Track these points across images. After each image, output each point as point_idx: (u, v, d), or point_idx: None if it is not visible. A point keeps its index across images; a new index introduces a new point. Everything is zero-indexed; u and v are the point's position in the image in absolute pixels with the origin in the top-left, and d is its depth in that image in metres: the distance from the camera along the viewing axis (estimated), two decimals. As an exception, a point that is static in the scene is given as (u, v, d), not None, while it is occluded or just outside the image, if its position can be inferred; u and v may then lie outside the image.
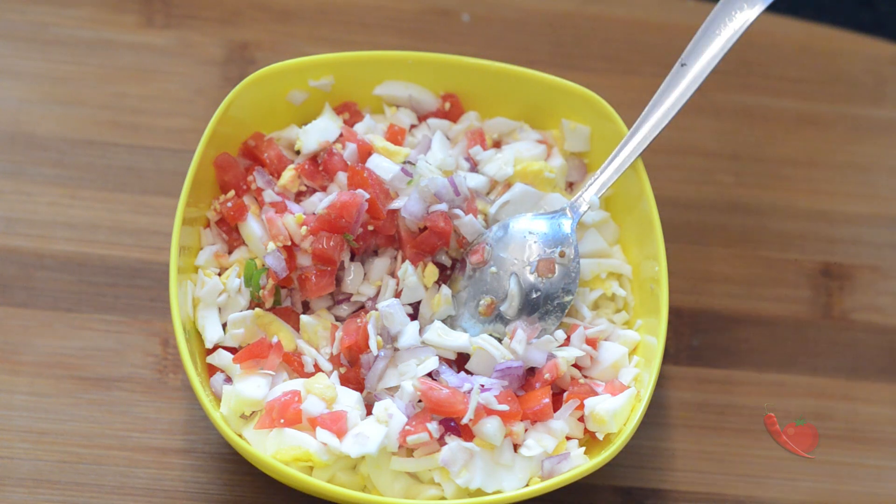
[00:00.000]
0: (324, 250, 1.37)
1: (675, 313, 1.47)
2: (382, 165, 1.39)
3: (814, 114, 1.60)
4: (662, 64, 1.46)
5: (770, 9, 1.42)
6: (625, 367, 1.38)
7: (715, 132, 1.58)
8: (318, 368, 1.36)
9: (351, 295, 1.39)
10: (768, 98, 1.60)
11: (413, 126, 1.46)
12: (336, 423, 1.31)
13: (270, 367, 1.34)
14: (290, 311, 1.39)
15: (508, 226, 1.39)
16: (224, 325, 1.38)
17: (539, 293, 1.37)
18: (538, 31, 1.61)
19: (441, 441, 1.32)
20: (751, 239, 1.54)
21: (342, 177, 1.40)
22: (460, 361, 1.37)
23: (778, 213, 1.55)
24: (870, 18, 1.73)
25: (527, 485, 1.32)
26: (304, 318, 1.38)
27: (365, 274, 1.39)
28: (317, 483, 1.29)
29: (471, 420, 1.31)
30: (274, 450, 1.31)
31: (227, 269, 1.40)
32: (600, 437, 1.34)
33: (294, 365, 1.36)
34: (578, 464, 1.32)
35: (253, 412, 1.34)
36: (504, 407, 1.32)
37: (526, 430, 1.34)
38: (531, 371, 1.36)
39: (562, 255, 1.38)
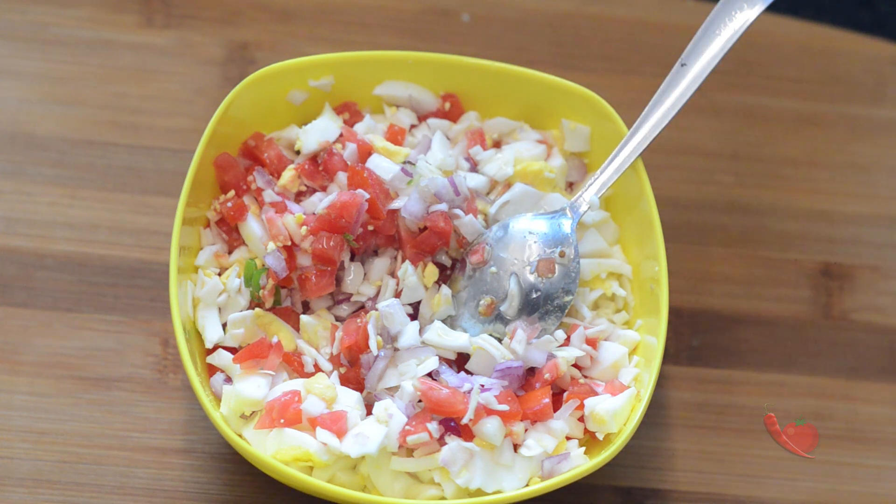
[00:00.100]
0: (324, 250, 1.36)
1: (675, 313, 1.47)
2: (382, 165, 1.39)
3: (814, 114, 1.60)
4: (662, 64, 1.46)
5: (770, 9, 1.42)
6: (625, 367, 1.38)
7: (715, 132, 1.58)
8: (318, 368, 1.36)
9: (351, 295, 1.39)
10: (768, 98, 1.60)
11: (413, 126, 1.46)
12: (336, 423, 1.31)
13: (270, 367, 1.34)
14: (290, 311, 1.39)
15: (508, 226, 1.39)
16: (224, 325, 1.38)
17: (539, 293, 1.37)
18: (538, 31, 1.61)
19: (441, 441, 1.32)
20: (751, 239, 1.54)
21: (342, 177, 1.40)
22: (460, 361, 1.37)
23: (778, 213, 1.55)
24: (870, 18, 1.73)
25: (527, 485, 1.32)
26: (304, 318, 1.38)
27: (365, 274, 1.39)
28: (317, 483, 1.29)
29: (471, 420, 1.31)
30: (274, 450, 1.31)
31: (227, 269, 1.40)
32: (600, 437, 1.34)
33: (294, 365, 1.36)
34: (578, 464, 1.32)
35: (253, 412, 1.34)
36: (504, 407, 1.32)
37: (526, 430, 1.34)
38: (531, 371, 1.36)
39: (562, 255, 1.38)
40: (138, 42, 1.57)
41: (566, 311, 1.38)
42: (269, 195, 1.40)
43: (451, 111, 1.46)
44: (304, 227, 1.37)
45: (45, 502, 1.37)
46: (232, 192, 1.41)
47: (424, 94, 1.46)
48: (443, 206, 1.38)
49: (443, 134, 1.44)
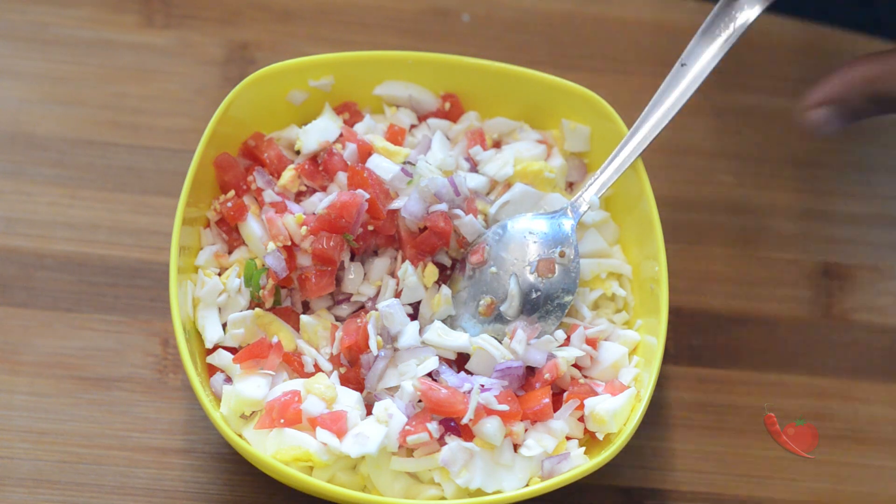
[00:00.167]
0: (324, 250, 1.36)
1: (675, 313, 1.47)
2: (382, 165, 1.39)
3: (814, 114, 1.60)
4: (662, 64, 1.46)
5: (770, 9, 1.42)
6: (625, 367, 1.38)
7: (715, 132, 1.58)
8: (318, 368, 1.36)
9: (351, 295, 1.39)
10: (768, 98, 1.60)
11: (413, 126, 1.46)
12: (336, 423, 1.31)
13: (270, 367, 1.34)
14: (290, 311, 1.39)
15: (508, 226, 1.39)
16: (224, 325, 1.38)
17: (539, 293, 1.37)
18: (538, 31, 1.61)
19: (441, 441, 1.32)
20: (751, 239, 1.54)
21: (342, 177, 1.40)
22: (460, 361, 1.37)
23: (778, 213, 1.55)
24: (870, 18, 1.73)
25: (527, 485, 1.32)
26: (304, 318, 1.38)
27: (365, 274, 1.39)
28: (317, 483, 1.29)
29: (471, 420, 1.31)
30: (274, 450, 1.31)
31: (227, 269, 1.40)
32: (600, 437, 1.34)
33: (294, 365, 1.36)
34: (578, 464, 1.32)
35: (253, 412, 1.34)
36: (504, 407, 1.32)
37: (526, 430, 1.34)
38: (531, 371, 1.36)
39: (562, 255, 1.38)
40: (138, 42, 1.57)
41: (566, 311, 1.38)
42: (269, 195, 1.40)
43: (451, 111, 1.46)
44: (304, 227, 1.37)
45: (45, 502, 1.37)
46: (232, 192, 1.41)
47: (424, 94, 1.46)
48: (443, 206, 1.38)
49: (443, 134, 1.44)
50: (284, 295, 1.39)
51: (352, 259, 1.39)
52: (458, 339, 1.36)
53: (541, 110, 1.46)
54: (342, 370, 1.36)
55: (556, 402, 1.36)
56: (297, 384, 1.34)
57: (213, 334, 1.36)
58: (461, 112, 1.47)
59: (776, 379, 1.48)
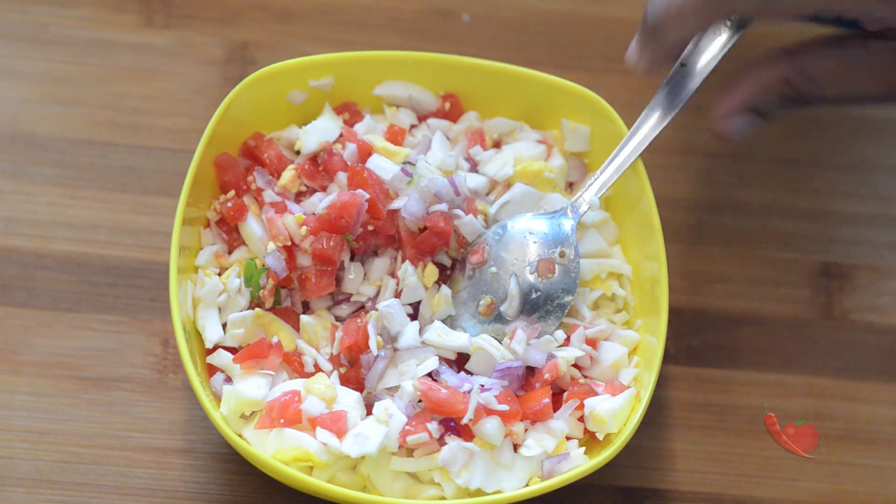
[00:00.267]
0: (324, 250, 1.36)
1: (675, 313, 1.47)
2: (382, 165, 1.39)
3: (814, 114, 1.60)
4: (662, 64, 1.46)
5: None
6: (625, 367, 1.38)
7: (715, 132, 1.58)
8: (318, 368, 1.36)
9: (351, 295, 1.39)
10: (768, 98, 1.60)
11: (413, 126, 1.46)
12: (336, 423, 1.31)
13: (270, 367, 1.34)
14: (290, 311, 1.39)
15: (508, 226, 1.39)
16: (224, 325, 1.38)
17: (539, 293, 1.37)
18: (538, 31, 1.61)
19: (441, 441, 1.32)
20: (751, 239, 1.54)
21: (342, 177, 1.40)
22: (460, 361, 1.37)
23: (778, 213, 1.55)
24: (870, 18, 1.73)
25: (527, 485, 1.32)
26: (304, 318, 1.38)
27: (365, 274, 1.39)
28: (317, 483, 1.29)
29: (471, 420, 1.31)
30: (274, 450, 1.31)
31: (227, 269, 1.40)
32: (600, 437, 1.34)
33: (294, 365, 1.36)
34: (578, 464, 1.32)
35: (253, 412, 1.34)
36: (504, 407, 1.32)
37: (526, 430, 1.34)
38: (531, 371, 1.36)
39: (562, 255, 1.38)
40: (138, 42, 1.57)
41: (566, 310, 1.38)
42: (269, 195, 1.40)
43: (451, 111, 1.46)
44: (304, 227, 1.37)
45: (45, 502, 1.37)
46: (232, 192, 1.41)
47: (424, 94, 1.46)
48: (443, 207, 1.38)
49: (443, 134, 1.44)
50: (284, 295, 1.39)
51: (352, 259, 1.39)
52: (457, 339, 1.36)
53: (541, 110, 1.46)
54: (342, 370, 1.36)
55: (556, 402, 1.36)
56: (297, 384, 1.34)
57: (213, 334, 1.36)
58: (461, 112, 1.47)
59: (776, 379, 1.48)
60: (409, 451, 1.32)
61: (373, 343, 1.34)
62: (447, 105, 1.46)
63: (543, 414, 1.34)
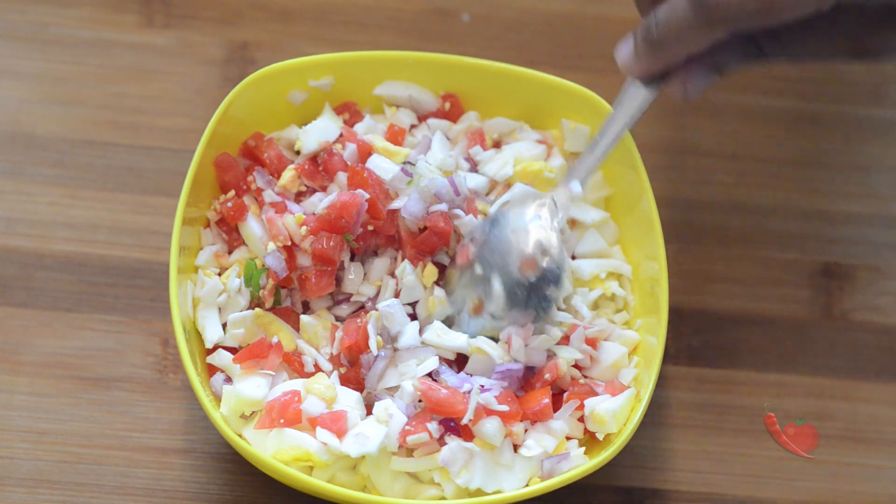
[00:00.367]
0: (324, 250, 1.36)
1: (675, 313, 1.47)
2: (382, 165, 1.39)
3: (814, 114, 1.60)
4: (662, 64, 1.45)
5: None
6: (625, 367, 1.38)
7: (715, 132, 1.58)
8: (318, 368, 1.36)
9: (351, 295, 1.39)
10: (768, 98, 1.60)
11: (413, 126, 1.46)
12: (336, 423, 1.31)
13: (270, 367, 1.34)
14: (290, 311, 1.39)
15: (491, 224, 1.38)
16: (224, 325, 1.38)
17: (524, 289, 1.36)
18: (538, 31, 1.61)
19: (441, 441, 1.32)
20: (751, 239, 1.54)
21: (342, 177, 1.40)
22: (460, 361, 1.37)
23: (778, 213, 1.55)
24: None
25: (527, 485, 1.32)
26: (304, 318, 1.38)
27: (365, 274, 1.39)
28: (317, 483, 1.29)
29: (471, 420, 1.31)
30: (274, 450, 1.31)
31: (227, 269, 1.40)
32: (600, 437, 1.34)
33: (294, 365, 1.36)
34: (578, 464, 1.32)
35: (253, 412, 1.34)
36: (504, 407, 1.32)
37: (526, 431, 1.34)
38: (531, 371, 1.36)
39: (543, 252, 1.36)
40: (138, 42, 1.57)
41: (555, 302, 1.37)
42: (269, 195, 1.40)
43: (451, 111, 1.46)
44: (304, 227, 1.37)
45: (45, 502, 1.37)
46: (232, 192, 1.41)
47: (424, 94, 1.46)
48: (442, 207, 1.38)
49: (443, 134, 1.44)
50: (284, 295, 1.39)
51: (352, 259, 1.39)
52: (456, 340, 1.36)
53: (541, 110, 1.46)
54: (342, 370, 1.36)
55: (556, 402, 1.36)
56: (297, 384, 1.34)
57: (213, 334, 1.36)
58: (461, 112, 1.47)
59: (776, 379, 1.48)
60: (409, 451, 1.32)
61: (373, 343, 1.34)
62: (447, 105, 1.46)
63: (543, 414, 1.34)
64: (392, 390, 1.35)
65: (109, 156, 1.52)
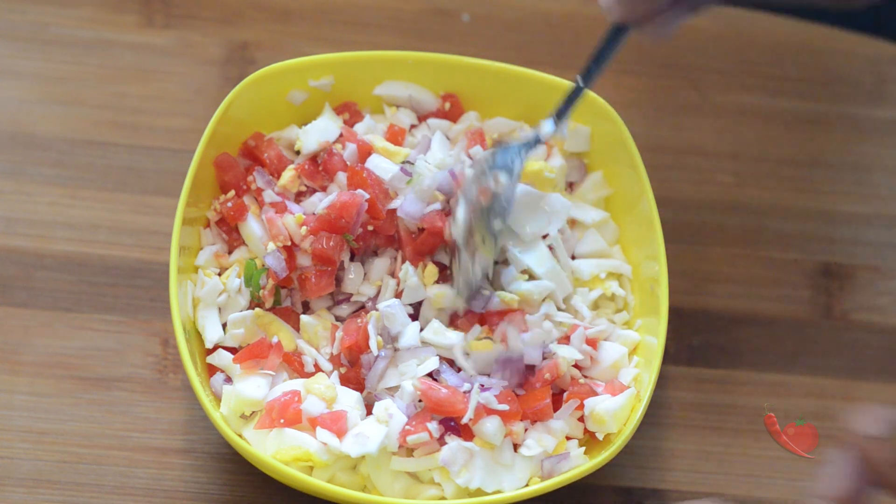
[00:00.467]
0: (324, 250, 1.36)
1: (675, 313, 1.46)
2: (382, 165, 1.39)
3: (814, 114, 1.60)
4: (662, 64, 1.46)
5: (771, 9, 1.41)
6: (625, 367, 1.38)
7: (715, 132, 1.58)
8: (318, 368, 1.36)
9: (351, 295, 1.39)
10: (768, 98, 1.60)
11: (413, 126, 1.46)
12: (336, 423, 1.31)
13: (270, 367, 1.34)
14: (290, 311, 1.39)
15: (476, 160, 1.37)
16: (224, 325, 1.38)
17: (473, 216, 1.35)
18: (538, 31, 1.61)
19: (441, 441, 1.32)
20: (751, 239, 1.54)
21: (342, 177, 1.40)
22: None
23: (778, 213, 1.55)
24: (870, 18, 1.73)
25: (527, 485, 1.32)
26: (304, 318, 1.38)
27: (365, 274, 1.39)
28: (317, 483, 1.29)
29: (471, 420, 1.31)
30: (274, 450, 1.31)
31: (227, 269, 1.40)
32: (600, 437, 1.34)
33: (294, 365, 1.36)
34: (578, 464, 1.32)
35: (253, 412, 1.34)
36: (504, 407, 1.32)
37: (526, 430, 1.34)
38: (531, 371, 1.36)
39: (496, 179, 1.35)
40: (138, 42, 1.57)
41: (500, 239, 1.35)
42: (269, 195, 1.40)
43: (451, 111, 1.46)
44: (304, 227, 1.37)
45: (45, 502, 1.37)
46: (232, 192, 1.41)
47: (424, 94, 1.46)
48: (437, 206, 1.37)
49: (443, 134, 1.44)
50: (284, 295, 1.39)
51: (352, 259, 1.39)
52: (452, 339, 1.35)
53: (541, 110, 1.45)
54: (342, 370, 1.36)
55: (556, 402, 1.36)
56: (297, 384, 1.34)
57: (213, 334, 1.36)
58: (461, 112, 1.47)
59: (776, 379, 1.48)
60: (409, 451, 1.32)
61: (373, 343, 1.34)
62: (447, 105, 1.46)
63: (543, 414, 1.34)
64: (392, 390, 1.35)
65: (109, 156, 1.52)
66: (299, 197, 1.41)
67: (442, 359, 1.35)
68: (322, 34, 1.59)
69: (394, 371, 1.35)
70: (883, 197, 1.57)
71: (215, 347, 1.37)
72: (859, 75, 1.62)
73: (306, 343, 1.37)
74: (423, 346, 1.35)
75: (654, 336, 1.36)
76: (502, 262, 1.39)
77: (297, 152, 1.43)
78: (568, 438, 1.35)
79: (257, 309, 1.38)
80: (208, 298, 1.37)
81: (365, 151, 1.41)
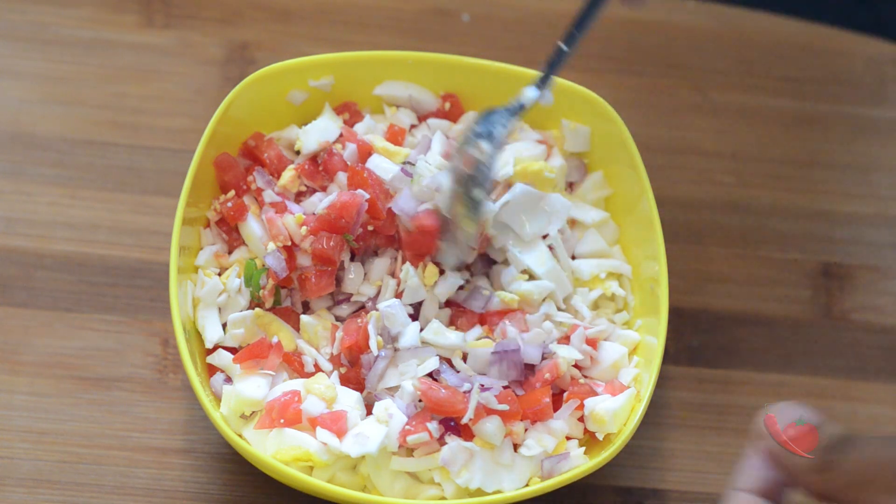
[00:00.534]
0: (324, 250, 1.37)
1: (675, 313, 1.47)
2: (382, 165, 1.39)
3: (814, 114, 1.60)
4: (662, 64, 1.46)
5: (770, 9, 1.41)
6: (625, 367, 1.38)
7: (715, 132, 1.58)
8: (318, 368, 1.36)
9: (351, 295, 1.39)
10: (768, 98, 1.60)
11: (413, 126, 1.46)
12: (336, 423, 1.31)
13: (270, 367, 1.34)
14: (290, 311, 1.39)
15: (467, 128, 1.37)
16: (224, 325, 1.38)
17: (455, 185, 1.35)
18: (538, 31, 1.61)
19: (441, 441, 1.32)
20: (751, 239, 1.54)
21: (342, 177, 1.40)
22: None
23: (778, 213, 1.55)
24: (870, 18, 1.73)
25: (527, 485, 1.32)
26: (304, 318, 1.38)
27: (365, 274, 1.39)
28: (317, 483, 1.29)
29: (471, 420, 1.31)
30: (274, 450, 1.31)
31: (227, 269, 1.40)
32: (600, 437, 1.34)
33: (294, 365, 1.36)
34: (578, 464, 1.32)
35: (253, 412, 1.34)
36: (504, 407, 1.32)
37: (526, 430, 1.34)
38: (531, 370, 1.36)
39: (478, 147, 1.35)
40: (138, 42, 1.57)
41: (480, 208, 1.35)
42: (269, 195, 1.40)
43: (451, 111, 1.46)
44: (304, 227, 1.37)
45: (45, 502, 1.37)
46: (232, 192, 1.41)
47: (424, 94, 1.46)
48: (428, 205, 1.37)
49: (443, 134, 1.44)
50: (284, 295, 1.39)
51: (352, 259, 1.39)
52: (451, 339, 1.35)
53: (541, 110, 1.45)
54: (342, 370, 1.36)
55: (556, 402, 1.36)
56: (297, 384, 1.34)
57: (213, 334, 1.36)
58: (461, 112, 1.47)
59: (776, 379, 1.48)
60: (409, 451, 1.32)
61: (373, 343, 1.34)
62: (447, 105, 1.46)
63: (543, 414, 1.34)
64: (392, 390, 1.35)
65: (109, 156, 1.52)
66: (299, 197, 1.41)
67: (442, 359, 1.35)
68: (322, 34, 1.59)
69: (394, 371, 1.35)
70: (883, 197, 1.57)
71: (215, 347, 1.37)
72: (859, 75, 1.62)
73: (306, 343, 1.37)
74: (423, 346, 1.35)
75: (654, 336, 1.36)
76: (502, 262, 1.40)
77: (297, 152, 1.43)
78: (568, 438, 1.35)
79: (257, 309, 1.38)
80: (208, 298, 1.37)
81: (365, 151, 1.41)
